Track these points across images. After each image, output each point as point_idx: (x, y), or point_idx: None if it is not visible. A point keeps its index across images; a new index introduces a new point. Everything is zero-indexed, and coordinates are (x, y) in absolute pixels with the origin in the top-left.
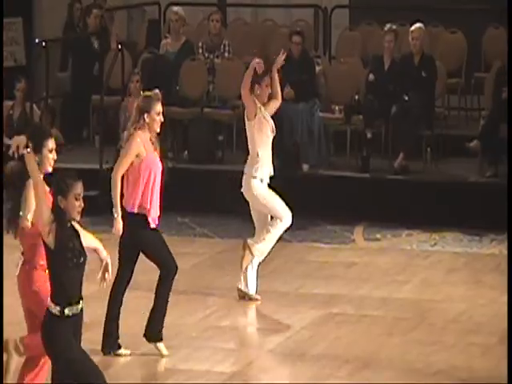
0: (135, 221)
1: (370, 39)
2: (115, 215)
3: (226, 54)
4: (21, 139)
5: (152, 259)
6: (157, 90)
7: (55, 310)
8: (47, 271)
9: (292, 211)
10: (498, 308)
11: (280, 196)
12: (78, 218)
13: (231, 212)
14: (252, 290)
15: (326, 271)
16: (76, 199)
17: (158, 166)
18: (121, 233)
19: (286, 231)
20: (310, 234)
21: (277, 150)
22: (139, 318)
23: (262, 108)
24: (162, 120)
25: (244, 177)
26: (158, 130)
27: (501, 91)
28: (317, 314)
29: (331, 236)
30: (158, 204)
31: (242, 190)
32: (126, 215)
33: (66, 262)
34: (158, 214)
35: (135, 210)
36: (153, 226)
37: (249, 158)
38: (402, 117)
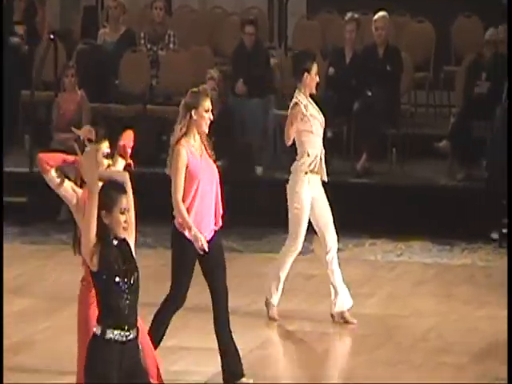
0: (176, 232)
1: (330, 29)
2: (193, 235)
3: (171, 45)
4: (89, 130)
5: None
6: (205, 86)
7: (97, 329)
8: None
9: (244, 218)
10: (470, 324)
11: (234, 202)
12: (123, 234)
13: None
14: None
15: (282, 284)
16: (122, 213)
17: (208, 172)
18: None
19: None
20: (263, 244)
21: (227, 151)
22: None
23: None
24: (212, 118)
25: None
26: (207, 130)
27: (472, 86)
28: (272, 332)
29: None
30: (213, 216)
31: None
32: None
33: (112, 285)
34: (213, 228)
35: (178, 226)
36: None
37: None
38: (364, 114)
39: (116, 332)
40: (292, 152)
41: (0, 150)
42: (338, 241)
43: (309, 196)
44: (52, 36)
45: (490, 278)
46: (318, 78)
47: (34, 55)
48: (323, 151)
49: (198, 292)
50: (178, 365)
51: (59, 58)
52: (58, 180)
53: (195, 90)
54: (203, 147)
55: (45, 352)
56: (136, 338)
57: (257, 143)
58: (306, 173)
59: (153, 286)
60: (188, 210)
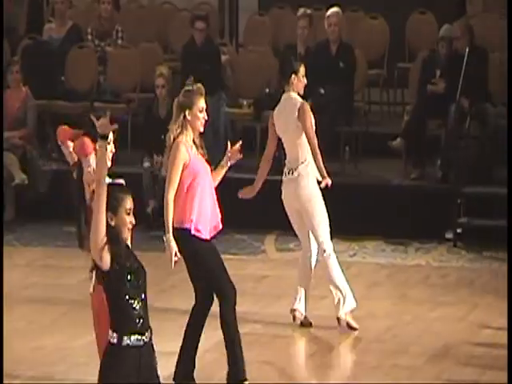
0: (179, 235)
1: (282, 25)
2: (166, 239)
3: (119, 41)
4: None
5: (189, 275)
6: (199, 84)
7: (113, 337)
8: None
9: None
10: (425, 325)
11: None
12: (128, 235)
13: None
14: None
15: None
16: (127, 214)
17: (206, 171)
18: (176, 256)
19: None
20: (215, 245)
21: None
22: None
23: None
24: (206, 118)
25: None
26: (202, 130)
27: (426, 83)
28: (222, 334)
29: (239, 246)
30: (211, 214)
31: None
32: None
33: (125, 284)
34: (215, 225)
35: (180, 225)
36: (204, 237)
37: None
38: (317, 112)
39: (133, 337)
40: (245, 150)
41: (0, 150)
42: (291, 241)
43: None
44: None
45: (444, 279)
46: (305, 80)
47: None
48: None
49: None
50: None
51: (3, 54)
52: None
53: (188, 88)
54: (196, 147)
55: None
56: (150, 339)
57: (208, 141)
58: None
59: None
60: (191, 208)
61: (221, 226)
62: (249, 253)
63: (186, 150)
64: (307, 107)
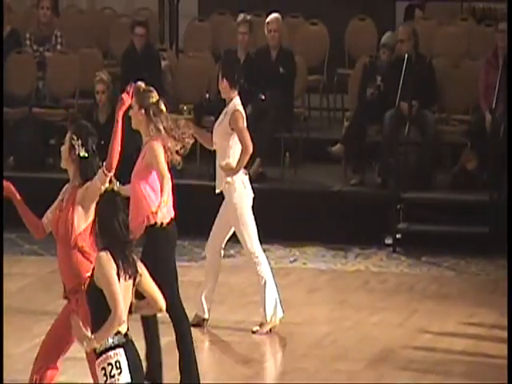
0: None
1: (222, 31)
2: None
3: (58, 47)
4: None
5: None
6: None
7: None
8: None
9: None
10: (365, 331)
11: None
12: None
13: None
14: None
15: None
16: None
17: None
18: None
19: None
20: (185, 252)
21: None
22: None
23: None
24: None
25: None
26: None
27: (366, 89)
28: (162, 340)
29: (179, 252)
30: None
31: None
32: None
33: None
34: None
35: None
36: None
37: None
38: (257, 118)
39: (116, 337)
40: (185, 156)
41: (0, 154)
42: (231, 247)
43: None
44: None
45: (383, 284)
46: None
47: None
48: None
49: None
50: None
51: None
52: None
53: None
54: None
55: None
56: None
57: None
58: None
59: (38, 297)
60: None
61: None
62: (189, 259)
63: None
64: (238, 115)
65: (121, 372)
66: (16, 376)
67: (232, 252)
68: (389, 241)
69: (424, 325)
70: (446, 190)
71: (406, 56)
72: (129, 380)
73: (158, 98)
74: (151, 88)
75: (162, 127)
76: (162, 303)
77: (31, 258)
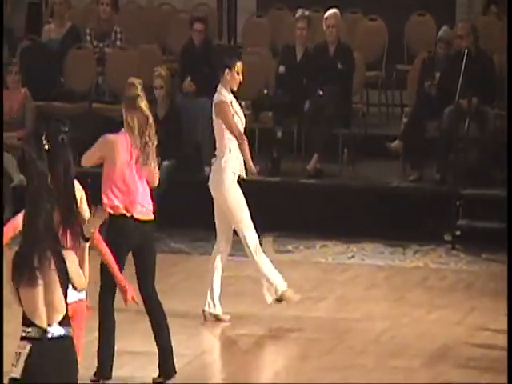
0: None
1: (280, 26)
2: None
3: (118, 42)
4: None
5: None
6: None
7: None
8: None
9: (192, 220)
10: (423, 327)
11: (182, 203)
12: None
13: None
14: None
15: (231, 287)
16: None
17: None
18: None
19: None
20: (212, 246)
21: (175, 151)
22: None
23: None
24: None
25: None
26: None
27: (425, 85)
28: (221, 335)
29: (237, 248)
30: None
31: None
32: None
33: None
34: None
35: None
36: None
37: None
38: (315, 114)
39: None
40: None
41: (0, 153)
42: (289, 243)
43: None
44: None
45: (442, 281)
46: (241, 77)
47: None
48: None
49: None
50: (124, 370)
51: (2, 55)
52: None
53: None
54: None
55: None
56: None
57: (205, 143)
58: (234, 173)
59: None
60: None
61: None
62: (247, 254)
63: None
64: (223, 106)
65: (16, 366)
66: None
67: (290, 248)
68: (448, 237)
69: (482, 322)
70: (505, 186)
71: (466, 52)
72: (17, 376)
73: (138, 93)
74: (138, 81)
75: (132, 124)
76: (79, 284)
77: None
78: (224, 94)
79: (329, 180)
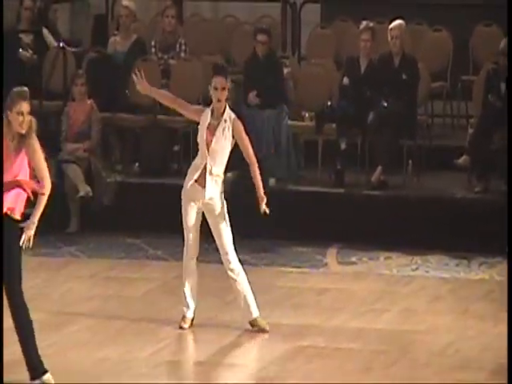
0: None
1: (345, 38)
2: None
3: (182, 54)
4: None
5: None
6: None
7: None
8: None
9: (256, 231)
10: (488, 340)
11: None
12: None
13: None
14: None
15: (295, 299)
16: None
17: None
18: None
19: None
20: (277, 257)
21: (239, 163)
22: None
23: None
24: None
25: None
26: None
27: (491, 96)
28: (285, 347)
29: (301, 259)
30: None
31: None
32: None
33: None
34: None
35: None
36: None
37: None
38: (380, 125)
39: None
40: (306, 163)
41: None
42: (353, 255)
43: None
44: (61, 45)
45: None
46: (219, 93)
47: (42, 64)
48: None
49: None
50: None
51: (68, 67)
52: None
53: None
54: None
55: (49, 368)
56: None
57: (270, 154)
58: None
59: (162, 301)
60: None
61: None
62: (310, 266)
63: None
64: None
65: None
66: (140, 379)
67: (353, 259)
68: None
69: None
70: None
71: None
72: None
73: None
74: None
75: None
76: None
77: (155, 262)
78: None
79: (393, 192)
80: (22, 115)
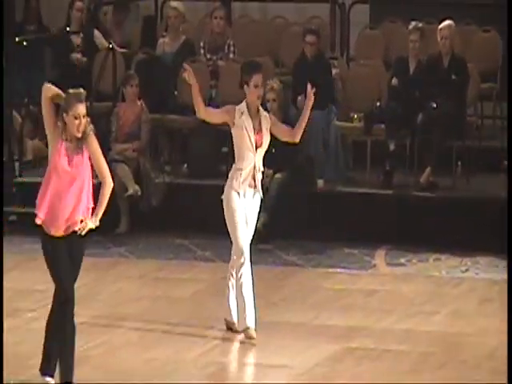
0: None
1: (393, 38)
2: None
3: (231, 55)
4: None
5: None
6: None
7: None
8: None
9: (305, 232)
10: None
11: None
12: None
13: None
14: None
15: (343, 300)
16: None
17: (66, 171)
18: None
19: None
20: (325, 259)
21: (288, 163)
22: None
23: (245, 114)
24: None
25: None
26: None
27: None
28: (333, 348)
29: (349, 260)
30: (69, 214)
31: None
32: None
33: None
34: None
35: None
36: (51, 232)
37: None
38: (429, 126)
39: None
40: (355, 164)
41: (0, 153)
42: (402, 256)
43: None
44: (111, 46)
45: None
46: (259, 91)
47: (92, 66)
48: (259, 166)
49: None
50: None
51: (118, 68)
52: None
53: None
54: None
55: (98, 368)
56: None
57: (318, 155)
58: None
59: (210, 302)
60: (42, 201)
61: (76, 228)
62: (359, 267)
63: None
64: (229, 107)
65: None
66: (190, 379)
67: (402, 261)
68: None
69: None
70: None
71: None
72: None
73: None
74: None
75: None
76: None
77: (203, 263)
78: (240, 106)
79: (442, 193)
80: (78, 118)
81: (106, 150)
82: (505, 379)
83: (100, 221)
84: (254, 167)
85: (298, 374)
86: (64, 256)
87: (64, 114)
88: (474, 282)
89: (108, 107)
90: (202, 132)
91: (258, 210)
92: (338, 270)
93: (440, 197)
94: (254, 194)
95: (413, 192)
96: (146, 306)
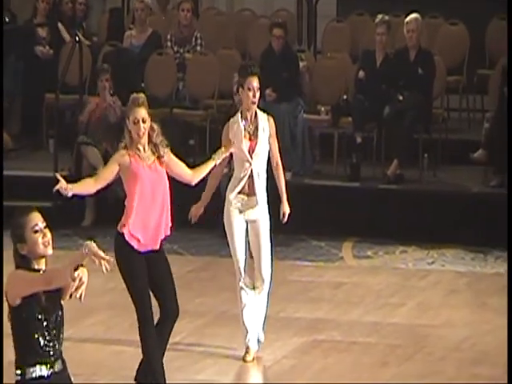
0: (115, 238)
1: (360, 32)
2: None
3: (198, 48)
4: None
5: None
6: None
7: (17, 375)
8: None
9: (272, 225)
10: (505, 335)
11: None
12: (45, 251)
13: (203, 226)
14: None
15: (310, 293)
16: (35, 232)
17: (149, 178)
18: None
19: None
20: (292, 251)
21: None
22: None
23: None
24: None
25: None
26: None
27: (506, 89)
28: (300, 341)
29: (316, 253)
30: (155, 225)
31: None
32: None
33: (33, 322)
34: (153, 235)
35: (119, 229)
36: (136, 248)
37: None
38: (395, 119)
39: (38, 368)
40: (322, 157)
41: (0, 152)
42: (368, 248)
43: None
44: (77, 38)
45: None
46: (252, 95)
47: (58, 58)
48: (258, 172)
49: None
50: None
51: (84, 60)
52: None
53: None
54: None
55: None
56: (63, 370)
57: (285, 148)
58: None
59: (178, 295)
60: (129, 214)
61: (168, 233)
62: (326, 260)
63: (129, 158)
64: (224, 130)
65: None
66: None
67: (369, 253)
68: None
69: None
70: None
71: None
72: None
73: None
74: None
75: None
76: None
77: (170, 256)
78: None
79: (409, 185)
80: (137, 123)
81: (71, 143)
82: (472, 371)
83: (66, 213)
84: (251, 175)
85: (265, 367)
86: None
87: (127, 121)
88: (441, 274)
89: (75, 99)
90: (169, 124)
91: (268, 221)
92: (305, 262)
93: (407, 189)
94: (256, 204)
95: (380, 185)
96: (113, 299)
